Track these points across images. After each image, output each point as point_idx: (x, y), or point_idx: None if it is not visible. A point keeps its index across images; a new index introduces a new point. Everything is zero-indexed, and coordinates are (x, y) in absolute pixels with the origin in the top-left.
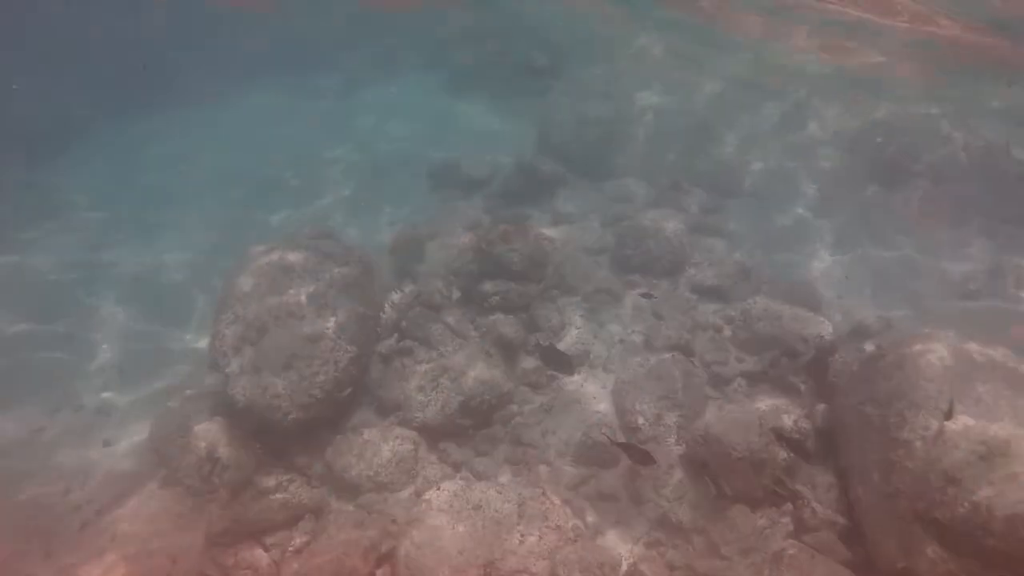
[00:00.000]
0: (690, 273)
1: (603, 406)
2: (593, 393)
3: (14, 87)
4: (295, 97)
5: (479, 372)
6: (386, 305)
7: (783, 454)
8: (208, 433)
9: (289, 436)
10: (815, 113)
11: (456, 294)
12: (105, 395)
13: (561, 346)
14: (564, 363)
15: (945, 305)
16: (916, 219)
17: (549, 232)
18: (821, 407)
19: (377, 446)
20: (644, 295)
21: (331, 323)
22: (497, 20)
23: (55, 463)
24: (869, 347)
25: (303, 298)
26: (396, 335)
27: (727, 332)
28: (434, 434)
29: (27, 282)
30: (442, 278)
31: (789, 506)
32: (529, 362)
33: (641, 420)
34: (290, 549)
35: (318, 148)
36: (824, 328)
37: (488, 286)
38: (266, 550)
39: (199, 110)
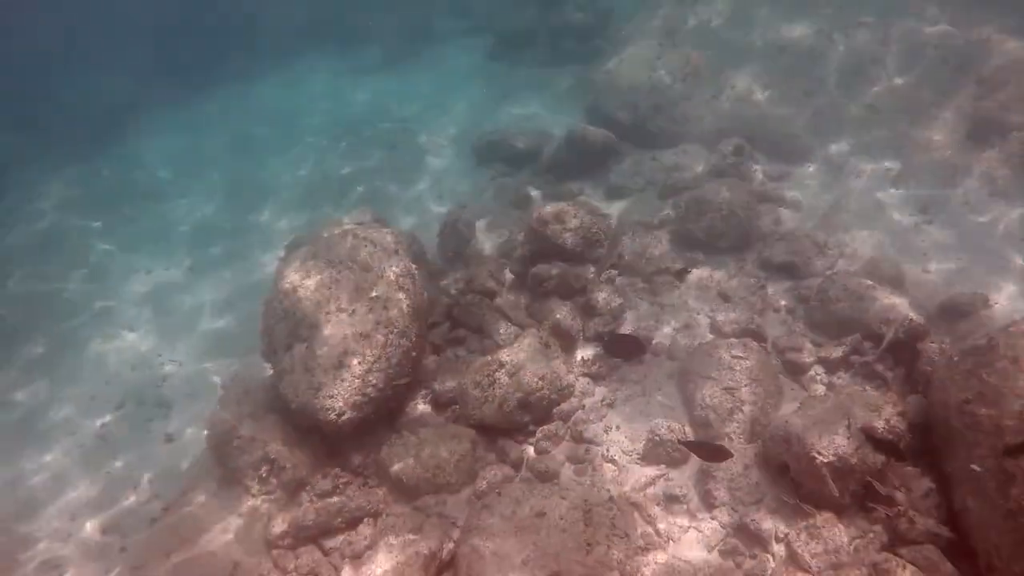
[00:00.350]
0: (758, 247)
1: (668, 398)
2: (657, 383)
3: None
4: (337, 73)
5: (538, 367)
6: (438, 292)
7: (875, 457)
8: (262, 431)
9: (343, 435)
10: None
11: (509, 277)
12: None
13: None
14: (631, 348)
15: None
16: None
17: (604, 207)
18: (914, 399)
19: (434, 445)
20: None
21: (383, 317)
22: None
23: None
24: (965, 327)
25: (354, 291)
26: (448, 323)
27: (801, 313)
28: (492, 432)
29: None
30: (493, 261)
31: (882, 514)
32: (588, 350)
33: (711, 415)
34: (349, 554)
35: (357, 122)
36: (911, 309)
37: (542, 269)
38: (325, 554)
39: (245, 86)
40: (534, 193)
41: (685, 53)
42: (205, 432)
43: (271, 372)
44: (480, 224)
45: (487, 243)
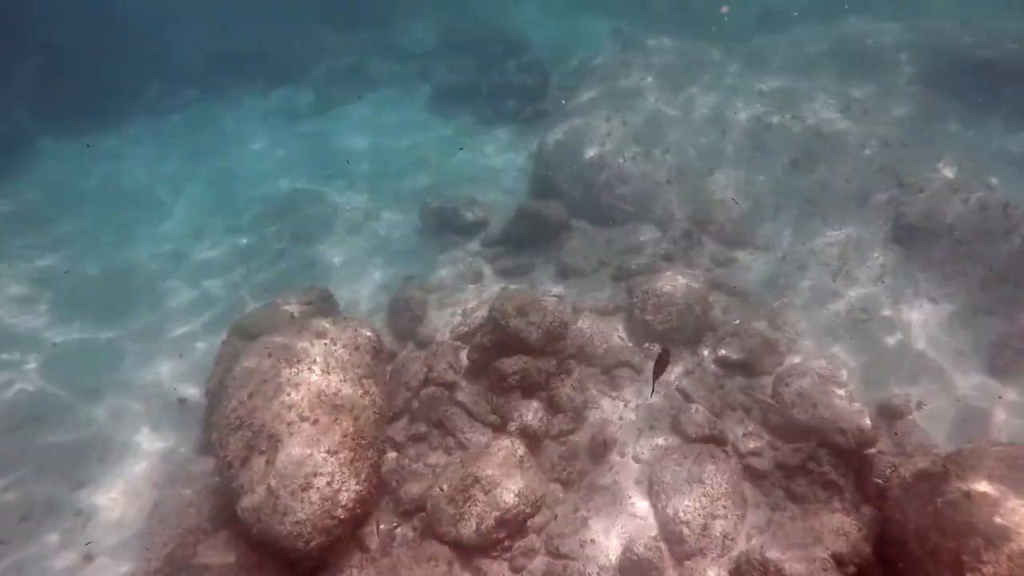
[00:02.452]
0: (711, 340)
1: (641, 507)
2: (627, 491)
3: None
4: (269, 114)
5: (514, 482)
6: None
7: None
8: (216, 555)
9: (311, 559)
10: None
11: (464, 362)
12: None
13: (584, 431)
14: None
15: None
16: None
17: (557, 288)
18: (870, 514)
19: (409, 570)
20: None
21: (350, 429)
22: (473, 28)
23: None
24: (901, 428)
25: (316, 397)
26: (407, 416)
27: (757, 414)
28: (468, 550)
29: None
30: (450, 349)
31: None
32: (555, 451)
33: (685, 531)
34: None
35: (283, 179)
36: (863, 419)
37: (507, 364)
38: None
39: (167, 120)
40: (486, 268)
41: (634, 130)
42: (145, 560)
43: (214, 474)
44: (430, 299)
45: (439, 322)
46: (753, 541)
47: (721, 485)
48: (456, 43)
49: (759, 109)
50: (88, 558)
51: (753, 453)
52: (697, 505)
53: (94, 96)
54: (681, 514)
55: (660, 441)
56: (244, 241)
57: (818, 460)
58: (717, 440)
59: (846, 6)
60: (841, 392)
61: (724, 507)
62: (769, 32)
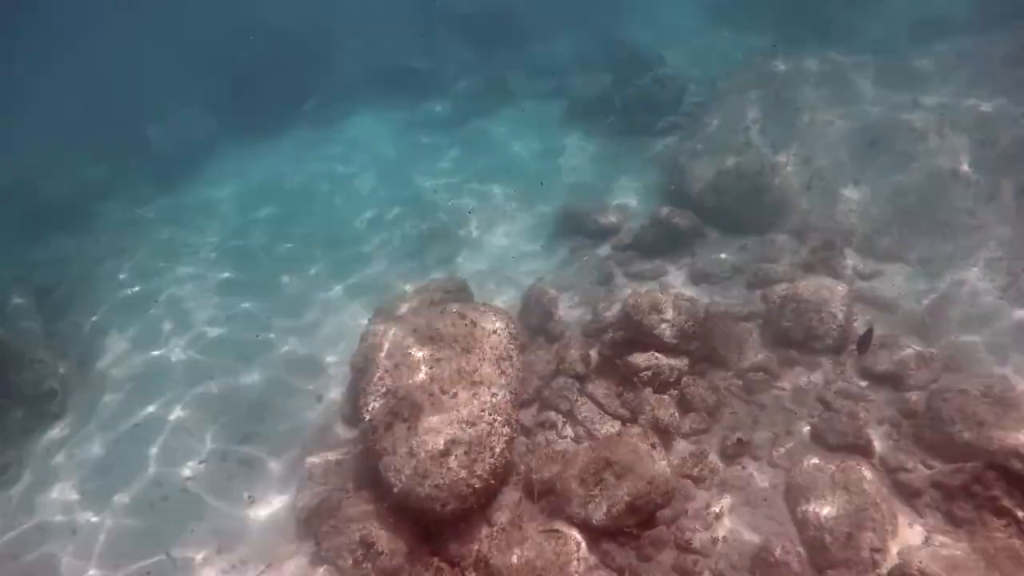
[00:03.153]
0: (855, 351)
1: (777, 511)
2: (763, 492)
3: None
4: (408, 124)
5: (646, 470)
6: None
7: None
8: (358, 511)
9: (443, 523)
10: None
11: (595, 358)
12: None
13: (716, 432)
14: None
15: None
16: None
17: (689, 292)
18: None
19: (539, 545)
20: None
21: (488, 404)
22: (608, 45)
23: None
24: None
25: (456, 373)
26: (537, 404)
27: (907, 429)
28: (596, 533)
29: None
30: (581, 343)
31: None
32: (685, 447)
33: (828, 539)
34: None
35: (429, 179)
36: None
37: (638, 360)
38: None
39: (316, 132)
40: (617, 271)
41: (772, 140)
42: (298, 504)
43: (356, 441)
44: (563, 299)
45: (569, 319)
46: (909, 558)
47: (868, 496)
48: (592, 59)
49: (912, 119)
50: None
51: (904, 468)
52: (841, 513)
53: (264, 108)
54: (823, 521)
55: (798, 447)
56: (389, 235)
57: (986, 483)
58: (863, 451)
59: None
60: (1016, 414)
61: (872, 520)
62: (925, 43)
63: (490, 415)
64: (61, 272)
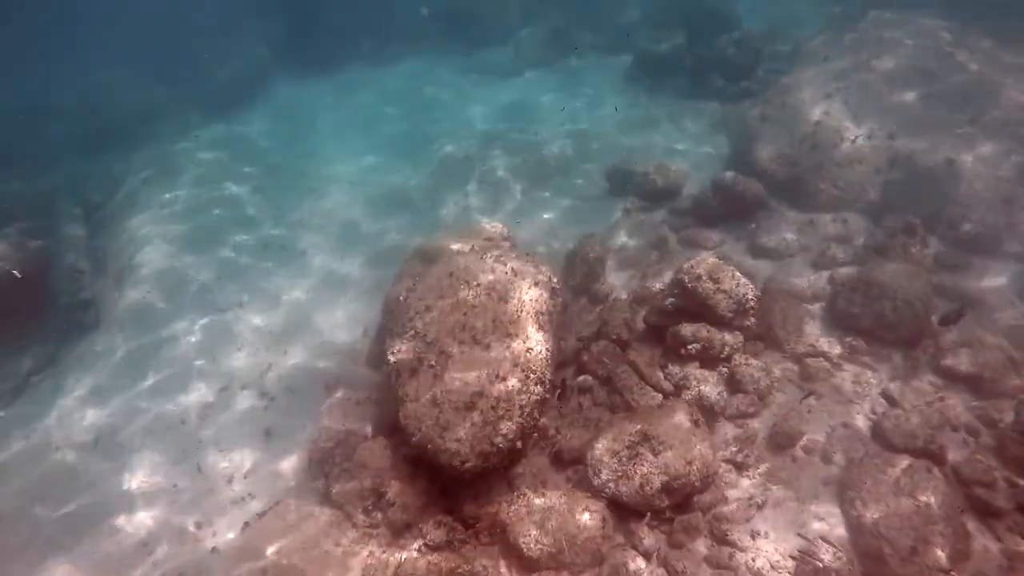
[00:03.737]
0: (932, 349)
1: (828, 511)
2: (812, 489)
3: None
4: (469, 70)
5: (686, 448)
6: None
7: None
8: (373, 458)
9: (462, 480)
10: None
11: (640, 326)
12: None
13: (765, 417)
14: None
15: None
16: None
17: (748, 264)
18: None
19: (562, 517)
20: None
21: (520, 359)
22: (687, 5)
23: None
24: None
25: (491, 323)
26: (574, 367)
27: (988, 440)
28: (624, 510)
29: None
30: (627, 307)
31: None
32: (730, 430)
33: (886, 549)
34: None
35: (487, 124)
36: None
37: (688, 330)
38: None
39: (371, 72)
40: (671, 237)
41: (853, 111)
42: (310, 444)
43: (383, 385)
44: (610, 260)
45: (616, 282)
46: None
47: (937, 508)
48: (664, 15)
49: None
50: (267, 434)
51: (982, 483)
52: (905, 524)
53: (320, 45)
54: (883, 529)
55: (855, 444)
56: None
57: None
58: (933, 457)
59: None
60: None
61: (941, 535)
62: None
63: (522, 371)
64: (113, 187)
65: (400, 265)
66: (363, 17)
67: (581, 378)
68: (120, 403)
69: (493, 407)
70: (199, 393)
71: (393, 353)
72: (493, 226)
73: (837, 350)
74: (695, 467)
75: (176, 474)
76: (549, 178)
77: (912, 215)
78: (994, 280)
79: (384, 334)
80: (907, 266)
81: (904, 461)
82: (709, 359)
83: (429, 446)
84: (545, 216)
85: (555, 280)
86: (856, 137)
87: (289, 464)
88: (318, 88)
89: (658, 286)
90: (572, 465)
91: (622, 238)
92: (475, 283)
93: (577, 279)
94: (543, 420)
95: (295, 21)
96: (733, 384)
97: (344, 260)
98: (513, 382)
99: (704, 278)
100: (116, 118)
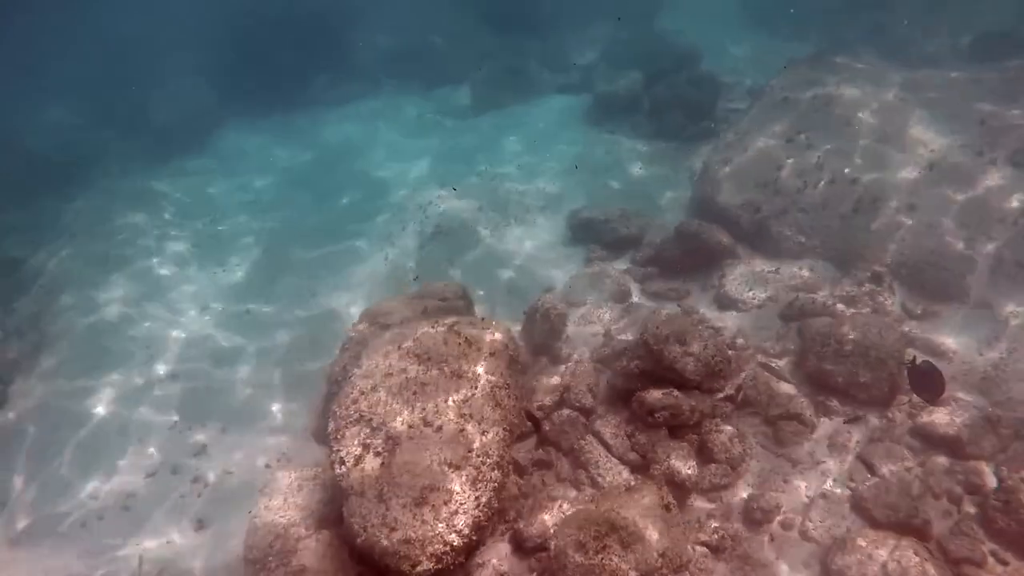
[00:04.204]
0: (907, 407)
1: None
2: (793, 573)
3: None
4: (426, 112)
5: (658, 536)
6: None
7: None
8: (315, 560)
9: None
10: None
11: (605, 389)
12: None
13: (740, 489)
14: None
15: None
16: None
17: (714, 317)
18: None
19: None
20: (850, 420)
21: (476, 443)
22: (645, 45)
23: None
24: None
25: (443, 401)
26: (535, 437)
27: (969, 508)
28: None
29: None
30: (590, 371)
31: None
32: (703, 506)
33: None
34: None
35: (441, 168)
36: None
37: (654, 397)
38: None
39: (324, 113)
40: (634, 288)
41: (818, 154)
42: (247, 540)
43: (330, 465)
44: (572, 315)
45: (579, 339)
46: None
47: None
48: (622, 54)
49: (971, 141)
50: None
51: (971, 562)
52: None
53: (270, 83)
54: None
55: (836, 519)
56: (388, 228)
57: None
58: (918, 532)
59: None
60: None
61: None
62: (989, 60)
63: (478, 457)
64: (35, 242)
65: (346, 331)
66: (317, 56)
67: (542, 451)
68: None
69: (446, 501)
70: (120, 478)
71: (336, 439)
72: (447, 284)
73: (810, 411)
74: (668, 559)
75: None
76: (508, 227)
77: (876, 262)
78: (958, 331)
79: (328, 409)
80: (878, 318)
81: (888, 541)
82: (678, 426)
83: (376, 548)
84: (503, 269)
85: (512, 348)
86: (819, 181)
87: (222, 560)
88: (270, 134)
89: (623, 342)
90: (535, 552)
91: (584, 290)
92: (426, 357)
93: (537, 337)
94: (504, 503)
95: (247, 61)
96: (704, 453)
97: (279, 331)
98: (468, 470)
99: (670, 340)
100: (49, 161)
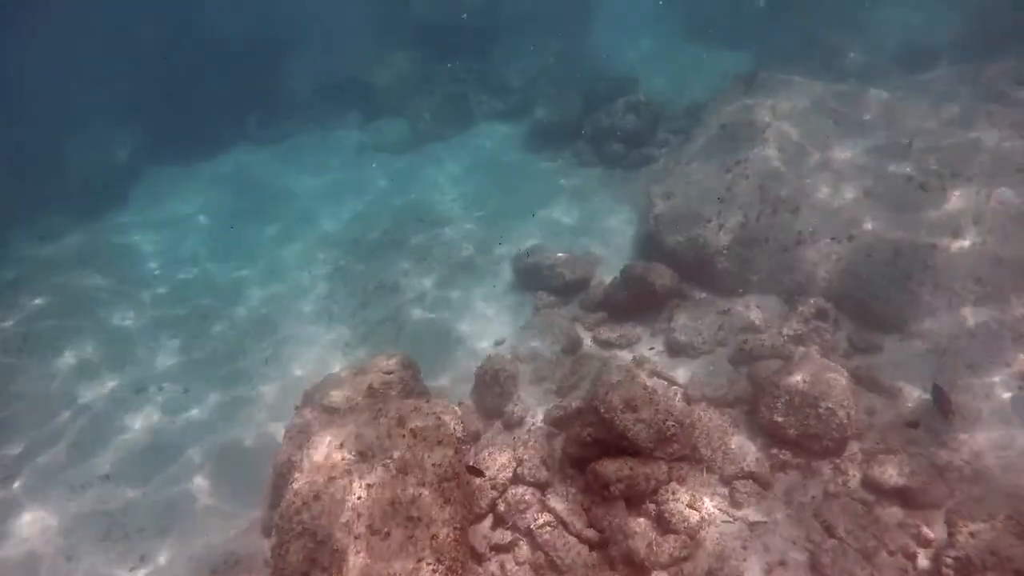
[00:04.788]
0: (859, 458)
1: None
2: None
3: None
4: (364, 147)
5: None
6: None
7: None
8: None
9: None
10: None
11: (560, 455)
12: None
13: (701, 559)
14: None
15: None
16: None
17: (665, 364)
18: None
19: None
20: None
21: (427, 547)
22: (579, 64)
23: None
24: None
25: (389, 505)
26: (491, 518)
27: (923, 562)
28: None
29: None
30: (544, 438)
31: None
32: None
33: None
34: None
35: (377, 213)
36: None
37: (609, 469)
38: None
39: (256, 153)
40: (585, 337)
41: (758, 184)
42: None
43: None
44: (523, 373)
45: (531, 399)
46: None
47: None
48: (560, 79)
49: (913, 163)
50: None
51: None
52: None
53: (197, 124)
54: None
55: None
56: (330, 287)
57: None
58: None
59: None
60: None
61: None
62: (916, 73)
63: (429, 564)
64: None
65: (292, 416)
66: (248, 92)
67: (498, 533)
68: None
69: None
70: None
71: (280, 555)
72: (390, 359)
73: (765, 467)
74: None
75: None
76: (454, 278)
77: (824, 298)
78: (905, 366)
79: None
80: (826, 363)
81: None
82: (635, 496)
83: None
84: (454, 324)
85: (460, 429)
86: (759, 214)
87: None
88: (200, 178)
89: (575, 403)
90: None
91: (534, 342)
92: (369, 455)
93: (489, 401)
94: None
95: (173, 100)
96: (662, 523)
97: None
98: None
99: (621, 408)
100: None
